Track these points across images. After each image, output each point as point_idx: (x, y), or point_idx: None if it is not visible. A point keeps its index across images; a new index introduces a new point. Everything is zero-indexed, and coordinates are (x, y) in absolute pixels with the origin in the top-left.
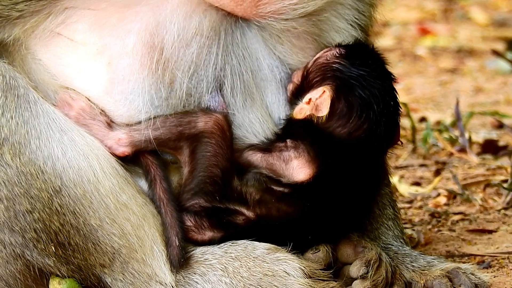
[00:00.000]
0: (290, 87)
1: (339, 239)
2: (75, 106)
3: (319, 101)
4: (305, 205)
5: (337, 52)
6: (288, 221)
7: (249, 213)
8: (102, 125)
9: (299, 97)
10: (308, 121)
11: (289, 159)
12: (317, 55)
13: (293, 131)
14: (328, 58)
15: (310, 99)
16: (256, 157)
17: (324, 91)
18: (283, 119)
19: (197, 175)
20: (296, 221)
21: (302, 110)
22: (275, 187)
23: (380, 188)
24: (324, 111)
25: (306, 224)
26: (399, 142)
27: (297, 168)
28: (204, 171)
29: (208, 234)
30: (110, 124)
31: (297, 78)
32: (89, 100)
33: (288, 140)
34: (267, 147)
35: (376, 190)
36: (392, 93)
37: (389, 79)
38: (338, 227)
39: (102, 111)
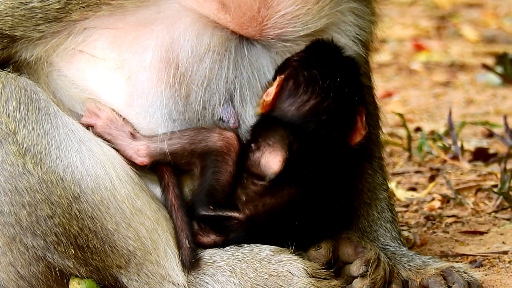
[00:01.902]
0: None
1: (331, 231)
2: (102, 116)
3: (270, 89)
4: (286, 193)
5: (296, 51)
6: (276, 215)
7: (240, 215)
8: (126, 135)
9: None
10: (267, 115)
11: (258, 160)
12: None
13: (257, 132)
14: (288, 57)
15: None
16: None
17: (277, 79)
18: (250, 127)
19: (202, 188)
20: (283, 213)
21: (259, 103)
22: (256, 181)
23: (356, 177)
24: (270, 94)
25: (293, 215)
26: (363, 127)
27: (267, 164)
28: (207, 184)
29: (212, 237)
30: (134, 134)
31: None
32: (114, 111)
33: (252, 145)
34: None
35: (351, 178)
36: (347, 75)
37: (348, 64)
38: (324, 216)
39: (127, 121)
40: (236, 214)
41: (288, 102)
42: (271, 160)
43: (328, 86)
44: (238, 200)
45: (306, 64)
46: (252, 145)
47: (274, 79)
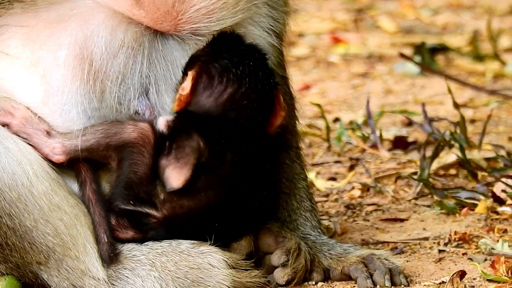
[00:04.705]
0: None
1: (253, 226)
2: (17, 115)
3: (184, 84)
4: (204, 196)
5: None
6: (195, 216)
7: (158, 214)
8: (41, 133)
9: None
10: (184, 111)
11: (163, 170)
12: None
13: (171, 135)
14: (193, 53)
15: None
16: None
17: (190, 74)
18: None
19: (120, 180)
20: (202, 214)
21: (175, 99)
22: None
23: (275, 167)
24: (186, 88)
25: (213, 215)
26: (283, 107)
27: (168, 178)
28: (125, 177)
29: (130, 233)
30: (50, 132)
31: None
32: (30, 110)
33: (165, 147)
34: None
35: (271, 169)
36: (257, 60)
37: (254, 51)
38: (245, 212)
39: (42, 119)
40: (154, 212)
41: (205, 95)
42: (172, 176)
43: (242, 73)
44: (157, 198)
45: (215, 56)
46: (166, 148)
47: (185, 74)
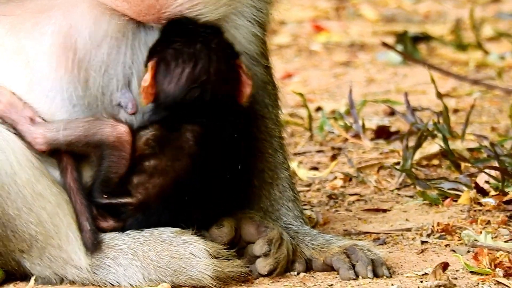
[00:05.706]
0: None
1: (227, 203)
2: (3, 100)
3: (145, 76)
4: (171, 171)
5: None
6: (168, 193)
7: (133, 200)
8: (25, 121)
9: None
10: (152, 107)
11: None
12: None
13: (144, 127)
14: (150, 46)
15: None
16: None
17: (149, 65)
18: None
19: (98, 176)
20: (174, 191)
21: (140, 94)
22: (144, 163)
23: (246, 141)
24: (147, 79)
25: (185, 190)
26: (248, 77)
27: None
28: (102, 174)
29: (110, 222)
30: (34, 119)
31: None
32: (15, 95)
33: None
34: None
35: (243, 143)
36: (210, 35)
37: (205, 28)
38: (217, 187)
39: (27, 105)
40: (128, 200)
41: (166, 82)
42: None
43: (195, 50)
44: (130, 185)
45: (167, 42)
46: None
47: (146, 67)
